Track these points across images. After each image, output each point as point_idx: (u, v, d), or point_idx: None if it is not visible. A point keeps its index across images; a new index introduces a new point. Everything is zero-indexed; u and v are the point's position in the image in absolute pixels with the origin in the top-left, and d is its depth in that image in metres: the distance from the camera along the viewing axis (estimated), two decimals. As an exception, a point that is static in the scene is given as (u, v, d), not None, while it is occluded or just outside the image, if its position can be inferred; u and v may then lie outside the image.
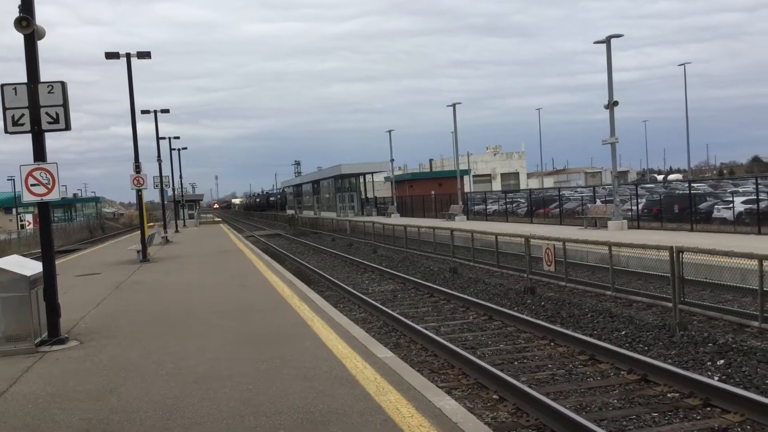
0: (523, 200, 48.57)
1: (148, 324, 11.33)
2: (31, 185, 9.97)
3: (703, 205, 30.38)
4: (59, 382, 7.82)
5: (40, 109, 9.73)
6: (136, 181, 26.02)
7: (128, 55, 26.35)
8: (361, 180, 66.98)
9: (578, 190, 56.16)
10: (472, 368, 9.54)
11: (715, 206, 30.00)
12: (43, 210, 10.32)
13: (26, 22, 9.65)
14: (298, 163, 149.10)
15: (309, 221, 64.77)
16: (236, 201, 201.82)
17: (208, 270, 20.16)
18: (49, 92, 9.75)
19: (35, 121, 9.74)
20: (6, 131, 9.78)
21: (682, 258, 11.91)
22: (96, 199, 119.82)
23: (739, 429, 7.11)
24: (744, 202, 28.07)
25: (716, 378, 8.80)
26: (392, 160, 60.50)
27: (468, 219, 44.05)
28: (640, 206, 32.44)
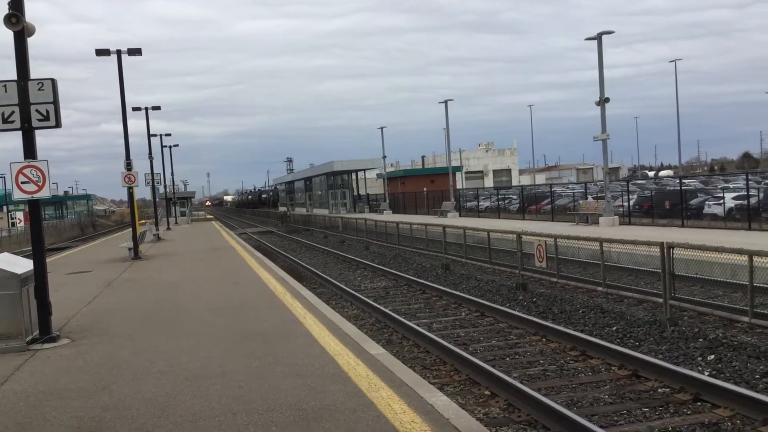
0: (515, 197, 48.71)
1: (139, 322, 11.31)
2: (22, 183, 9.93)
3: (693, 201, 30.55)
4: (51, 380, 7.80)
5: (30, 106, 9.68)
6: (127, 179, 25.95)
7: (119, 52, 26.27)
8: (354, 177, 67.00)
9: (570, 186, 56.40)
10: (464, 364, 9.56)
11: (706, 202, 30.17)
12: (34, 208, 10.29)
13: (15, 18, 9.60)
14: (290, 160, 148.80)
15: (301, 218, 64.72)
16: (228, 198, 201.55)
17: (200, 267, 20.13)
18: (39, 89, 9.71)
19: (25, 118, 9.69)
20: (-4, 128, 9.73)
21: (673, 254, 11.97)
22: (87, 197, 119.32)
23: (729, 424, 7.15)
24: (734, 198, 28.24)
25: (707, 373, 8.85)
26: (384, 157, 60.55)
27: (460, 215, 44.11)
28: (631, 202, 32.57)
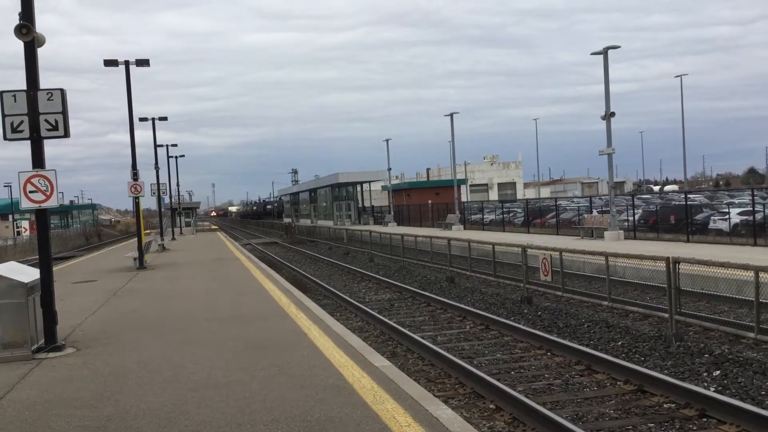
0: (519, 210, 48.67)
1: (144, 331, 11.32)
2: (30, 192, 9.97)
3: (699, 216, 30.49)
4: (56, 389, 7.81)
5: (39, 116, 9.74)
6: (133, 189, 26.03)
7: (127, 63, 26.43)
8: (359, 189, 67.08)
9: (575, 200, 56.29)
10: (469, 378, 9.55)
11: (711, 217, 30.13)
12: (41, 217, 10.32)
13: (26, 29, 9.68)
14: (295, 172, 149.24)
15: (306, 230, 64.78)
16: (233, 209, 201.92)
17: (204, 278, 20.15)
18: (48, 99, 9.77)
19: (34, 128, 9.75)
20: (5, 138, 9.79)
21: (679, 269, 11.95)
22: (92, 206, 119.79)
23: (735, 440, 7.12)
24: (740, 214, 28.19)
25: (712, 389, 8.82)
26: (389, 169, 60.68)
27: (465, 228, 44.11)
28: (636, 217, 32.55)
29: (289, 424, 6.13)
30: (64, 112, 9.86)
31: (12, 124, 9.71)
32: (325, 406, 6.62)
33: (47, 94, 9.79)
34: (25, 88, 9.81)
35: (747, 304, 12.07)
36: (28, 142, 9.91)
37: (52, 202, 10.07)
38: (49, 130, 9.81)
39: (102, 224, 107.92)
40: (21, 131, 9.75)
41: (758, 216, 25.26)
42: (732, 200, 38.25)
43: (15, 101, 9.71)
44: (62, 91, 9.89)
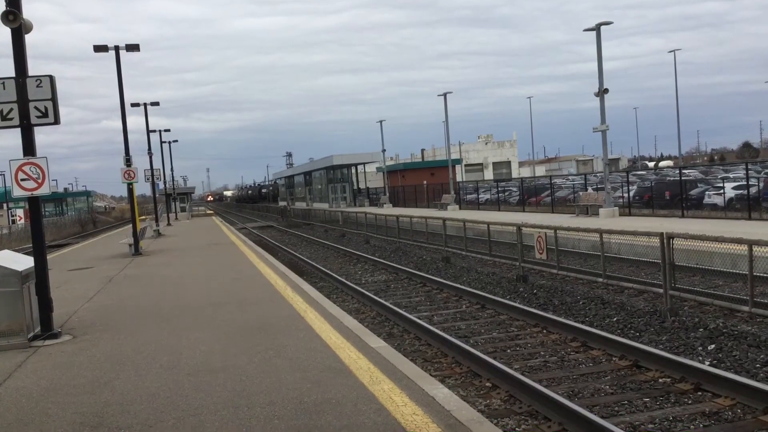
0: (515, 189, 48.71)
1: (141, 317, 11.33)
2: (21, 180, 9.93)
3: (694, 192, 30.56)
4: (53, 376, 7.82)
5: (28, 103, 9.68)
6: (126, 175, 25.93)
7: (117, 48, 26.26)
8: (353, 170, 67.00)
9: (570, 178, 56.35)
10: (465, 357, 9.58)
11: (706, 192, 30.18)
12: (34, 204, 10.30)
13: (13, 15, 9.59)
14: (289, 155, 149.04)
15: (301, 212, 64.72)
16: (228, 193, 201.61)
17: (200, 263, 20.14)
18: (37, 86, 9.70)
19: (24, 115, 9.69)
20: (-6, 126, 9.73)
21: (673, 244, 11.97)
22: (87, 194, 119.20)
23: (730, 413, 7.17)
24: (734, 188, 28.24)
25: (707, 363, 8.86)
26: (384, 151, 60.51)
27: (460, 208, 44.11)
28: (631, 193, 32.59)
29: (286, 406, 6.15)
30: (54, 99, 9.80)
31: (2, 111, 9.65)
32: (322, 387, 6.64)
33: (36, 81, 9.72)
34: (13, 75, 9.74)
35: (741, 278, 12.12)
36: (19, 129, 9.86)
37: (44, 190, 10.03)
38: (39, 117, 9.75)
39: (97, 211, 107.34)
40: (11, 119, 9.69)
41: (752, 190, 25.33)
42: (727, 175, 38.31)
43: (4, 89, 9.64)
44: (51, 78, 9.82)
